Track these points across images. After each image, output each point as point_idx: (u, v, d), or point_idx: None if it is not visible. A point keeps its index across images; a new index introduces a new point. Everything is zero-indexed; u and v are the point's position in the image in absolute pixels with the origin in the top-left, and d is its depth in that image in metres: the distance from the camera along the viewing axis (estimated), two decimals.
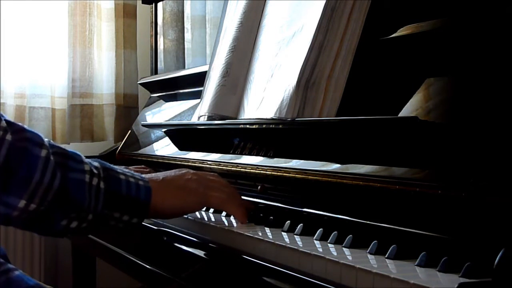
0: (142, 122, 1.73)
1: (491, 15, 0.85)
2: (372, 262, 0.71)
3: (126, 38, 2.34)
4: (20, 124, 0.86)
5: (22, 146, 0.83)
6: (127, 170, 0.94)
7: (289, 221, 0.92)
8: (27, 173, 0.83)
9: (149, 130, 1.72)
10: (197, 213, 1.09)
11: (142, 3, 2.15)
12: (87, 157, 0.92)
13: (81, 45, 2.27)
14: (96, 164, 0.91)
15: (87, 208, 0.87)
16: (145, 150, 1.68)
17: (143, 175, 0.95)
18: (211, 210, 1.11)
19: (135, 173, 0.94)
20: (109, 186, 0.89)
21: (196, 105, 1.44)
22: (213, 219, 1.04)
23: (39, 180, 0.83)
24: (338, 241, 0.81)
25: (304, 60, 1.03)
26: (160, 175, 0.98)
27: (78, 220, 0.88)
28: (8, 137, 0.82)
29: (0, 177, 0.81)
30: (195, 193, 0.97)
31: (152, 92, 1.97)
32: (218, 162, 1.22)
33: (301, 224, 0.89)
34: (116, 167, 0.93)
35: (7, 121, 0.84)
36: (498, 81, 0.79)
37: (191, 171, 1.00)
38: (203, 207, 0.99)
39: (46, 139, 0.87)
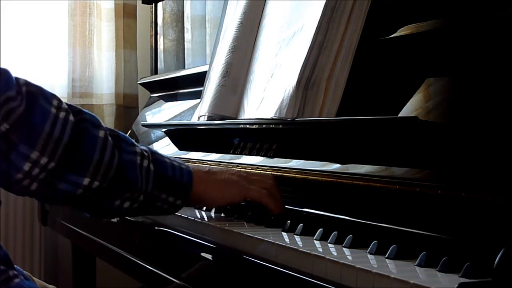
0: (142, 122, 1.73)
1: (491, 15, 0.85)
2: (372, 262, 0.71)
3: (126, 38, 2.34)
4: (77, 106, 0.90)
5: (83, 127, 0.87)
6: (167, 155, 0.98)
7: (289, 221, 0.92)
8: (88, 152, 0.86)
9: (149, 130, 1.72)
10: (197, 213, 1.09)
11: (142, 3, 2.15)
12: None
13: (81, 45, 2.28)
14: (144, 147, 0.95)
15: (139, 188, 0.91)
16: None
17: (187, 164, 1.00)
18: (213, 210, 1.11)
19: (176, 159, 0.98)
20: (157, 168, 0.93)
21: (196, 105, 1.44)
22: (213, 219, 1.04)
23: (99, 158, 0.87)
24: (338, 241, 0.81)
25: (304, 60, 1.04)
26: (206, 167, 1.03)
27: (130, 201, 0.91)
28: (71, 118, 0.86)
29: (66, 156, 0.85)
30: (236, 185, 1.00)
31: (152, 92, 1.97)
32: (218, 162, 1.23)
33: (301, 224, 0.89)
34: (158, 151, 0.97)
35: (66, 104, 0.88)
36: (498, 81, 0.79)
37: (236, 169, 1.04)
38: (243, 199, 1.01)
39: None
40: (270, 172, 1.05)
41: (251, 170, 1.10)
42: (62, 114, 0.85)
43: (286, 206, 1.00)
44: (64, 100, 2.27)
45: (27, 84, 0.85)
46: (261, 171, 1.08)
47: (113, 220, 1.26)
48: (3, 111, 0.80)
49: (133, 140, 0.94)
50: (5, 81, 0.82)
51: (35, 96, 0.84)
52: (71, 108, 0.88)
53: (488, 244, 0.65)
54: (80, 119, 0.87)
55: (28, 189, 0.85)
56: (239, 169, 1.04)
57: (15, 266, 0.92)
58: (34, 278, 1.03)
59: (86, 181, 0.86)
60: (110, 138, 0.89)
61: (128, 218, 1.16)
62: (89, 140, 0.87)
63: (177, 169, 0.96)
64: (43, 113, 0.83)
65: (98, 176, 0.87)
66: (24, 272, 0.96)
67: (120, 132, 0.93)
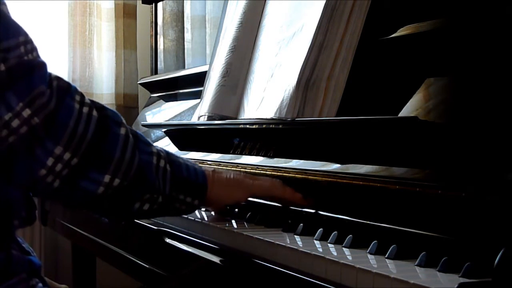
0: (142, 122, 1.73)
1: (491, 15, 0.85)
2: (372, 262, 0.71)
3: (126, 38, 2.34)
4: (99, 102, 0.89)
5: (105, 124, 0.86)
6: (180, 156, 0.98)
7: (289, 221, 0.92)
8: (110, 150, 0.86)
9: (149, 130, 1.72)
10: (197, 213, 1.09)
11: (142, 3, 2.15)
12: None
13: (81, 45, 2.28)
14: (159, 147, 0.94)
15: (157, 189, 0.90)
16: None
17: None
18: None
19: (187, 159, 0.98)
20: (173, 169, 0.93)
21: (196, 105, 1.44)
22: (213, 219, 1.04)
23: (120, 157, 0.86)
24: (338, 241, 0.81)
25: (304, 60, 1.03)
26: (212, 167, 1.03)
27: (150, 203, 0.91)
28: (94, 113, 0.86)
29: (89, 153, 0.84)
30: (241, 183, 1.00)
31: (152, 92, 1.97)
32: (218, 162, 1.22)
33: (301, 224, 0.89)
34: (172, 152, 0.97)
35: (89, 100, 0.88)
36: (498, 81, 0.79)
37: (241, 172, 1.04)
38: (248, 197, 1.02)
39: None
40: (270, 172, 1.05)
41: (251, 170, 1.10)
42: (85, 109, 0.85)
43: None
44: None
45: (58, 79, 0.85)
46: (261, 171, 1.08)
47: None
48: (35, 105, 0.80)
49: (149, 140, 0.93)
50: (41, 74, 0.82)
51: (64, 92, 0.84)
52: (94, 104, 0.88)
53: (488, 244, 0.65)
54: (103, 116, 0.87)
55: (51, 187, 0.84)
56: (244, 173, 1.04)
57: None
58: (46, 279, 1.03)
59: (107, 178, 0.86)
60: (131, 136, 0.89)
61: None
62: (111, 138, 0.86)
63: (191, 170, 0.96)
64: (68, 109, 0.83)
65: (119, 174, 0.86)
66: (46, 279, 0.96)
67: (138, 131, 0.93)
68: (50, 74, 0.84)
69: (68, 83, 0.86)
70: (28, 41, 0.83)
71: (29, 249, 0.93)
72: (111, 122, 0.87)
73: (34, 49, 0.84)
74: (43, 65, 0.83)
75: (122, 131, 0.88)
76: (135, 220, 1.14)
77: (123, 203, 0.90)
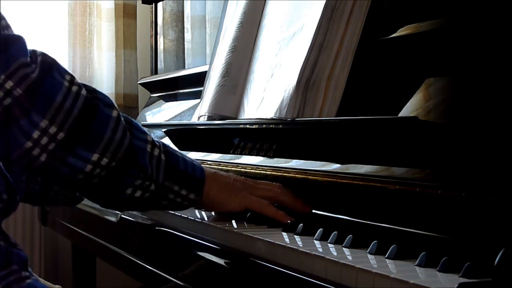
0: (142, 122, 1.73)
1: (491, 15, 0.85)
2: (372, 262, 0.71)
3: (126, 38, 2.35)
4: (91, 86, 0.90)
5: (95, 104, 0.87)
6: (178, 151, 0.98)
7: (289, 221, 0.92)
8: (100, 129, 0.86)
9: (149, 130, 1.72)
10: (197, 213, 1.09)
11: (142, 3, 2.15)
12: None
13: (81, 45, 2.28)
14: (156, 139, 0.94)
15: (150, 176, 0.90)
16: None
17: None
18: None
19: (187, 156, 0.98)
20: (168, 159, 0.93)
21: (196, 105, 1.44)
22: (213, 219, 1.04)
23: (110, 136, 0.86)
24: (338, 241, 0.81)
25: (304, 60, 1.04)
26: (213, 170, 1.01)
27: (142, 190, 0.90)
28: (83, 92, 0.86)
29: (76, 129, 0.84)
30: (238, 193, 0.99)
31: (152, 92, 1.97)
32: (218, 162, 1.23)
33: (301, 224, 0.89)
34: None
35: (81, 82, 0.89)
36: (498, 81, 0.79)
37: (242, 177, 1.03)
38: (243, 209, 1.00)
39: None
40: (270, 172, 1.05)
41: (251, 170, 1.10)
42: (74, 88, 0.85)
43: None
44: None
45: (43, 55, 0.85)
46: (261, 171, 1.08)
47: (112, 220, 1.26)
48: (17, 76, 0.80)
49: (145, 129, 0.93)
50: (20, 47, 0.82)
51: (49, 66, 0.85)
52: (84, 86, 0.88)
53: (488, 244, 0.65)
54: (93, 97, 0.87)
55: (37, 160, 0.84)
56: (245, 178, 1.02)
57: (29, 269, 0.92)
58: (40, 279, 1.03)
59: (95, 156, 0.85)
60: (123, 120, 0.89)
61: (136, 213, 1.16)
62: (100, 118, 0.86)
63: (189, 164, 0.95)
64: (55, 84, 0.84)
65: (108, 153, 0.86)
66: (34, 274, 0.96)
67: (133, 119, 0.93)
68: (35, 50, 0.85)
69: (54, 60, 0.87)
70: (2, 18, 0.83)
71: (14, 241, 0.93)
72: (101, 103, 0.87)
73: (8, 25, 0.84)
74: (21, 39, 0.84)
75: (114, 113, 0.88)
76: (131, 212, 1.14)
77: (115, 187, 0.89)
